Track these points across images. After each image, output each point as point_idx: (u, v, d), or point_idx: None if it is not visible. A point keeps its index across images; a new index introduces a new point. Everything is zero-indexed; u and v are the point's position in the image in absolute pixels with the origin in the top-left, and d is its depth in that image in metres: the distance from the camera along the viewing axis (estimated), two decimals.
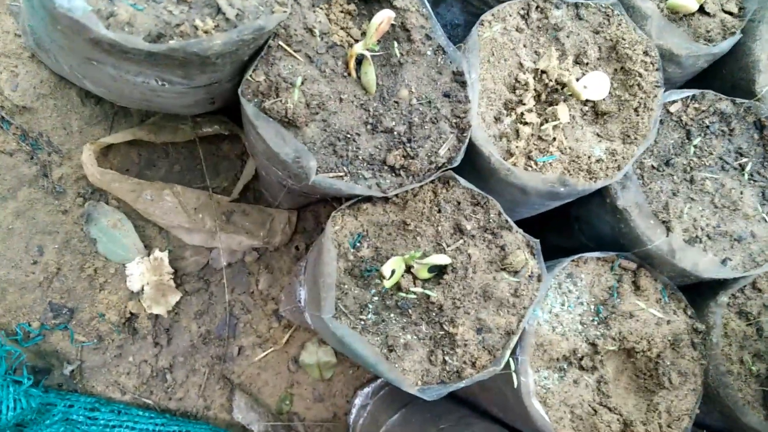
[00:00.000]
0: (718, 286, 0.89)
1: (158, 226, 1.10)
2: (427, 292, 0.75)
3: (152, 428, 1.06)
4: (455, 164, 0.77)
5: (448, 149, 0.77)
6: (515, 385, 0.76)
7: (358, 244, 0.78)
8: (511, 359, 0.75)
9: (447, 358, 0.77)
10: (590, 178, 0.81)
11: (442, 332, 0.77)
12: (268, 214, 1.15)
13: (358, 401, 1.19)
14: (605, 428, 0.81)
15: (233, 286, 1.16)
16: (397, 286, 0.78)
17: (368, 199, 0.78)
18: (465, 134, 0.78)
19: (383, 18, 0.72)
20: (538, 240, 0.80)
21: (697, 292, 0.92)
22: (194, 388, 1.14)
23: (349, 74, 0.76)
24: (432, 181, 0.80)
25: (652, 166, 0.87)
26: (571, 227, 1.01)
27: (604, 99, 0.84)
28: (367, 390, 1.20)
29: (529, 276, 0.80)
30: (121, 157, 1.07)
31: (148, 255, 1.08)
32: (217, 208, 1.10)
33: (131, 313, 1.09)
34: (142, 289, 1.08)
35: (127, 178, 1.02)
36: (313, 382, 1.21)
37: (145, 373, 1.11)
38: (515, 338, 0.78)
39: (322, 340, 1.20)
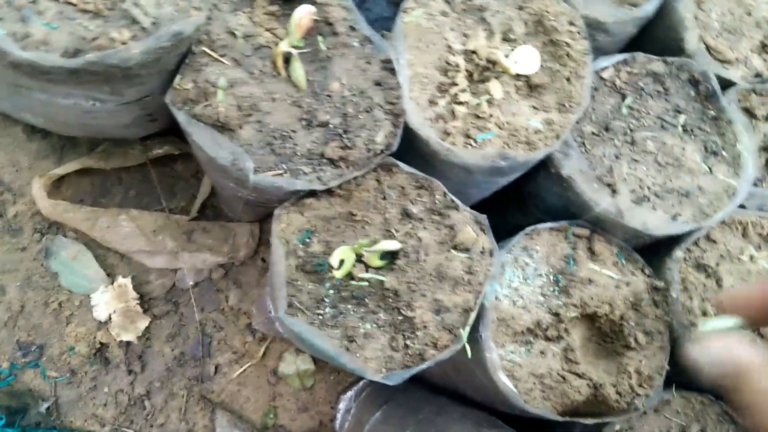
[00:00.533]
0: (672, 243, 0.90)
1: (119, 253, 1.09)
2: (378, 276, 0.76)
3: None
4: (393, 149, 0.78)
5: (385, 136, 0.78)
6: (469, 356, 0.76)
7: (308, 240, 0.78)
8: (464, 333, 0.75)
9: (408, 342, 0.77)
10: (530, 149, 0.82)
11: (401, 317, 0.77)
12: (229, 230, 1.15)
13: (342, 406, 1.19)
14: (575, 394, 0.81)
15: (203, 304, 1.15)
16: (351, 277, 0.78)
17: (312, 194, 0.79)
18: (400, 119, 0.79)
19: (303, 13, 0.73)
20: (485, 215, 0.81)
21: (653, 252, 0.93)
22: (174, 412, 1.13)
23: (279, 73, 0.77)
24: (374, 170, 0.81)
25: (593, 133, 0.88)
26: (526, 204, 1.01)
27: (536, 72, 0.85)
28: (350, 393, 1.20)
29: (481, 252, 0.80)
30: (73, 188, 1.07)
31: (112, 283, 1.08)
32: (176, 229, 1.10)
33: (101, 343, 1.08)
34: (110, 318, 1.07)
35: (80, 207, 1.02)
36: (295, 392, 1.20)
37: (123, 403, 1.10)
38: (473, 314, 0.78)
39: (299, 349, 1.20)
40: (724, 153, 0.90)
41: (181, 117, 0.73)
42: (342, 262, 0.75)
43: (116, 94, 0.74)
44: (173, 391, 1.13)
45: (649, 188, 0.87)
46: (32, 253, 1.05)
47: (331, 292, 0.78)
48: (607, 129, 0.89)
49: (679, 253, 0.88)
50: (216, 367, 1.16)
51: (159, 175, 1.11)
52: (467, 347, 0.75)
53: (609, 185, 0.86)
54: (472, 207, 0.83)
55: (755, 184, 0.93)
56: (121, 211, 1.04)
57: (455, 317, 0.78)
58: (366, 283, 0.77)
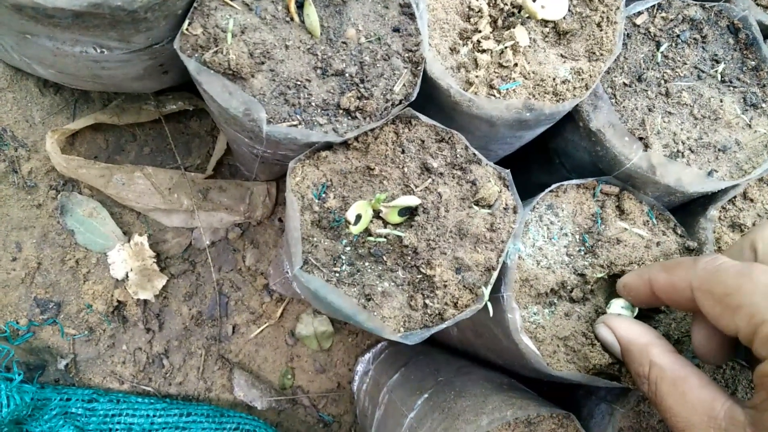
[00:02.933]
0: (707, 201, 0.86)
1: (135, 210, 1.08)
2: (396, 232, 0.73)
3: (153, 413, 1.05)
4: (412, 99, 0.74)
5: (404, 85, 0.74)
6: (490, 316, 0.73)
7: (324, 195, 0.75)
8: (485, 291, 0.72)
9: (428, 301, 0.74)
10: (557, 100, 0.77)
11: (420, 275, 0.75)
12: (246, 188, 1.13)
13: (360, 368, 1.18)
14: (599, 357, 0.78)
15: (220, 264, 1.14)
16: (368, 234, 0.75)
17: (328, 146, 0.76)
18: (419, 68, 0.75)
19: None
20: (509, 170, 0.77)
21: (687, 212, 0.88)
22: (193, 371, 1.13)
23: (292, 19, 0.73)
24: (393, 122, 0.77)
25: (624, 84, 0.83)
26: (552, 162, 0.97)
27: (564, 18, 0.80)
28: (368, 356, 1.18)
29: (504, 208, 0.77)
30: (87, 144, 1.05)
31: (128, 241, 1.07)
32: (192, 187, 1.08)
33: (118, 301, 1.07)
34: (127, 276, 1.06)
35: (95, 163, 1.00)
36: (312, 354, 1.19)
37: (141, 361, 1.10)
38: (495, 273, 0.75)
39: (316, 311, 1.18)
40: (764, 105, 0.85)
41: (191, 65, 0.70)
42: (359, 217, 0.72)
43: (124, 40, 0.71)
44: (191, 350, 1.13)
45: (683, 142, 0.82)
46: (48, 210, 1.04)
47: (348, 249, 0.75)
48: (639, 79, 0.84)
49: (713, 211, 0.83)
50: (233, 327, 1.15)
51: (174, 132, 1.09)
52: (489, 306, 0.72)
53: (641, 139, 0.81)
54: (497, 164, 0.79)
55: None
56: (136, 168, 1.03)
57: (476, 276, 0.75)
58: (384, 240, 0.74)
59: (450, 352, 1.07)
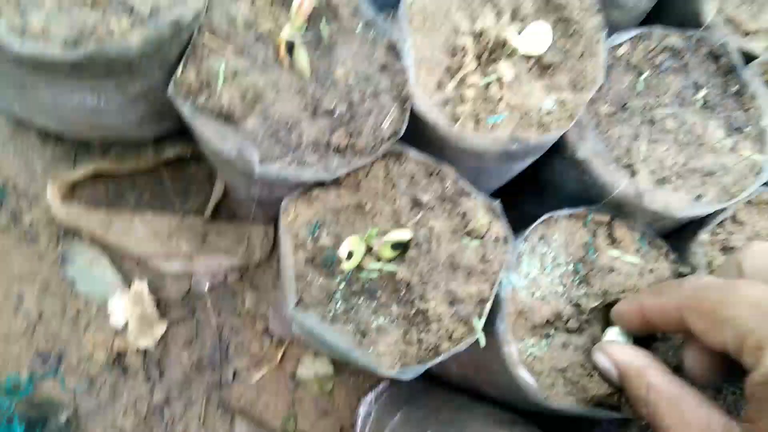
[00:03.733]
0: (697, 226, 0.86)
1: (134, 258, 1.09)
2: (388, 267, 0.73)
3: None
4: (400, 135, 0.76)
5: (392, 121, 0.76)
6: (482, 346, 0.73)
7: (317, 233, 0.76)
8: (478, 323, 0.72)
9: (422, 335, 0.74)
10: (543, 131, 0.79)
11: (414, 310, 0.75)
12: (244, 231, 1.14)
13: (362, 410, 1.16)
14: (598, 387, 0.77)
15: (219, 308, 1.14)
16: (361, 270, 0.76)
17: (320, 184, 0.77)
18: (407, 104, 0.77)
19: None
20: (499, 201, 0.78)
21: (679, 237, 0.89)
22: (194, 419, 1.12)
23: (282, 62, 0.76)
24: (383, 158, 0.79)
25: (608, 113, 0.85)
26: (543, 193, 0.98)
27: (547, 51, 0.83)
28: (370, 397, 1.17)
29: (495, 239, 0.77)
30: (87, 194, 1.07)
31: (128, 288, 1.07)
32: (191, 231, 1.09)
33: (119, 350, 1.07)
34: (127, 324, 1.06)
35: (95, 211, 1.02)
36: (314, 397, 1.17)
37: (142, 411, 1.09)
38: (489, 304, 0.75)
39: (317, 352, 1.17)
40: (748, 129, 0.86)
41: (185, 109, 0.72)
42: (351, 253, 0.73)
43: (121, 88, 0.74)
44: (192, 398, 1.12)
45: (670, 168, 0.83)
46: (49, 261, 1.06)
47: (342, 285, 0.76)
48: (624, 108, 0.86)
49: (704, 236, 0.84)
50: (234, 373, 1.14)
51: (172, 178, 1.11)
52: (481, 337, 0.72)
53: (627, 166, 0.82)
54: (489, 197, 0.80)
55: None
56: (135, 215, 1.04)
57: (470, 308, 0.75)
58: (377, 275, 0.75)
59: (451, 389, 1.06)
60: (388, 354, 0.73)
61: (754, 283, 0.58)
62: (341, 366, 1.17)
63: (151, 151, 1.06)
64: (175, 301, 1.12)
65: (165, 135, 1.02)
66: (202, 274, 1.12)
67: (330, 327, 0.73)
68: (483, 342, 0.72)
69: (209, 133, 0.72)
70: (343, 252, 0.71)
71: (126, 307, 1.06)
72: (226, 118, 0.72)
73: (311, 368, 1.16)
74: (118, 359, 1.08)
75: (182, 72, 0.71)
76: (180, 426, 1.10)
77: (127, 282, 1.09)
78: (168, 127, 0.96)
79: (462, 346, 0.73)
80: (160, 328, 1.08)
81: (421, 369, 0.73)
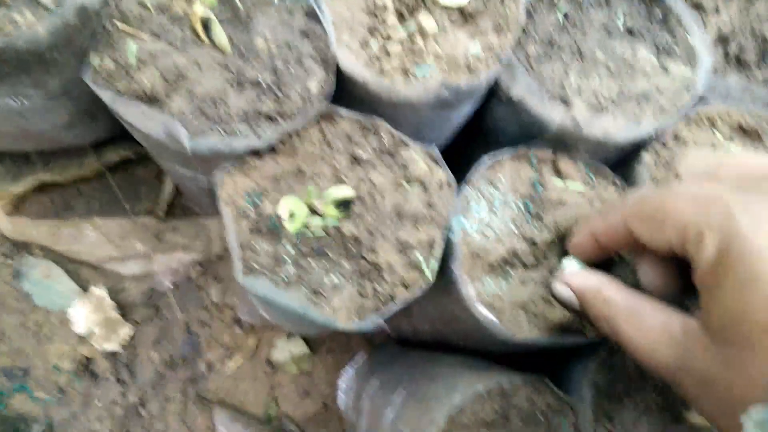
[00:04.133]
0: (640, 149, 0.87)
1: (91, 264, 1.07)
2: (332, 221, 0.73)
3: None
4: (329, 96, 0.76)
5: (319, 83, 0.76)
6: (431, 281, 0.73)
7: (258, 202, 0.76)
8: (430, 266, 0.73)
9: (377, 286, 0.74)
10: (472, 75, 0.79)
11: (366, 263, 0.75)
12: (200, 225, 1.13)
13: (343, 384, 1.16)
14: (560, 316, 0.78)
15: (185, 304, 1.13)
16: (308, 231, 0.75)
17: (255, 154, 0.77)
18: (331, 65, 0.76)
19: None
20: (435, 146, 0.78)
21: (625, 166, 0.90)
22: (173, 416, 1.11)
23: (201, 40, 0.75)
24: (317, 122, 0.78)
25: (538, 52, 0.86)
26: (489, 141, 0.99)
27: (469, 1, 0.83)
28: (349, 370, 1.17)
29: (438, 184, 0.78)
30: (34, 207, 1.05)
31: (88, 295, 1.06)
32: (144, 231, 1.08)
33: (86, 357, 1.06)
34: (91, 331, 1.05)
35: (42, 222, 1.00)
36: (293, 379, 1.17)
37: (118, 415, 1.08)
38: (440, 247, 0.75)
39: (290, 334, 1.17)
40: (676, 49, 0.87)
41: (105, 96, 0.71)
42: (293, 215, 0.72)
43: (39, 86, 0.72)
44: (168, 395, 1.10)
45: (605, 97, 0.84)
46: (2, 277, 1.04)
47: (291, 250, 0.75)
48: (552, 46, 0.86)
49: (646, 156, 0.85)
50: (208, 365, 1.13)
51: (120, 182, 1.10)
52: (427, 272, 0.73)
53: (562, 100, 0.83)
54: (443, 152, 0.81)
55: (716, 74, 0.90)
56: (84, 221, 1.03)
57: (422, 253, 0.75)
58: (324, 234, 0.75)
59: (424, 347, 1.07)
60: (344, 309, 0.73)
61: (691, 181, 0.58)
62: (316, 345, 1.17)
63: (93, 157, 1.04)
64: (138, 303, 1.10)
65: (105, 140, 1.01)
66: (162, 272, 1.11)
67: (282, 291, 0.72)
68: (431, 278, 0.72)
69: (134, 116, 0.71)
70: (282, 211, 0.71)
71: (87, 314, 1.05)
72: (150, 99, 0.71)
73: (286, 350, 1.15)
74: (86, 366, 1.06)
75: (98, 58, 0.70)
76: (159, 425, 1.09)
77: (86, 289, 1.07)
78: (106, 129, 0.94)
79: (417, 291, 0.74)
80: (126, 331, 1.07)
81: (378, 319, 0.73)
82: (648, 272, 0.66)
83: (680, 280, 0.66)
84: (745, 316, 0.47)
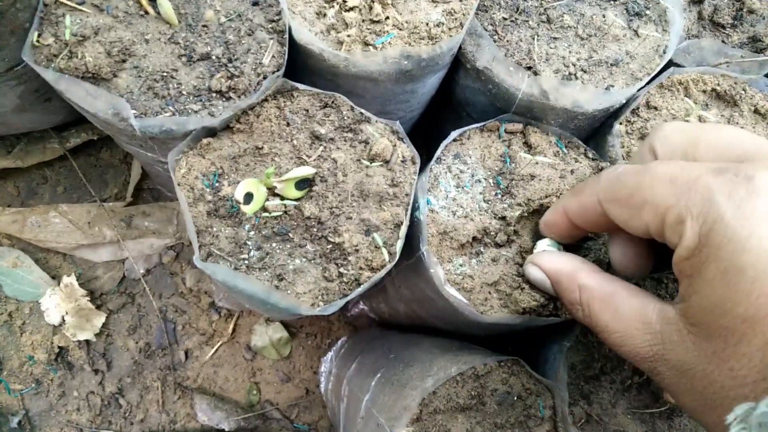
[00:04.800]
0: (613, 119, 0.84)
1: (60, 252, 1.05)
2: (290, 202, 0.70)
3: None
4: (283, 69, 0.73)
5: (273, 56, 0.73)
6: (395, 262, 0.70)
7: (216, 184, 0.73)
8: (387, 240, 0.70)
9: (342, 269, 0.72)
10: (433, 43, 0.76)
11: (330, 245, 0.72)
12: (171, 209, 1.10)
13: (323, 368, 1.14)
14: (529, 300, 0.75)
15: (159, 291, 1.11)
16: (268, 214, 0.73)
17: (211, 133, 0.74)
18: (284, 36, 0.73)
19: None
20: (398, 122, 0.75)
21: (598, 136, 0.87)
22: (152, 405, 1.09)
23: (147, 12, 0.72)
24: (274, 98, 0.75)
25: (504, 18, 0.82)
26: (461, 115, 0.96)
27: None
28: (329, 354, 1.15)
29: (402, 161, 0.75)
30: None
31: (58, 284, 1.04)
32: (113, 217, 1.05)
33: (60, 347, 1.04)
34: (63, 320, 1.03)
35: (4, 209, 0.98)
36: (274, 364, 1.15)
37: (96, 404, 1.06)
38: (404, 227, 0.73)
39: (269, 319, 1.15)
40: (647, 12, 0.84)
41: (48, 75, 0.68)
42: (251, 196, 0.70)
43: None
44: (146, 384, 1.09)
45: (574, 64, 0.81)
46: None
47: (252, 233, 0.73)
48: (518, 12, 0.83)
49: (618, 126, 0.82)
50: (186, 353, 1.12)
51: (85, 166, 1.07)
52: (384, 252, 0.70)
53: (529, 68, 0.80)
54: (408, 132, 0.77)
55: (689, 38, 0.87)
56: (50, 208, 1.00)
57: (387, 234, 0.73)
58: (284, 215, 0.72)
59: (403, 330, 1.05)
60: (308, 293, 0.71)
61: (668, 162, 0.55)
62: (296, 328, 1.15)
63: (56, 140, 1.02)
64: (110, 290, 1.08)
65: (68, 123, 0.98)
66: (134, 259, 1.08)
67: (242, 275, 0.70)
68: (396, 259, 0.70)
69: (78, 95, 0.68)
70: (239, 195, 0.68)
71: (59, 304, 1.03)
72: (94, 77, 0.68)
73: (265, 335, 1.14)
74: (61, 356, 1.05)
75: (37, 35, 0.67)
76: (139, 414, 1.08)
77: (57, 278, 1.05)
78: (62, 111, 0.91)
79: (382, 273, 0.71)
80: (99, 319, 1.05)
81: (343, 302, 0.70)
82: (618, 254, 0.64)
83: (653, 261, 0.64)
84: (727, 308, 0.44)
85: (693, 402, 0.50)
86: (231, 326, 1.13)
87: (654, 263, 0.65)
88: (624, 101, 0.82)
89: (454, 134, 0.81)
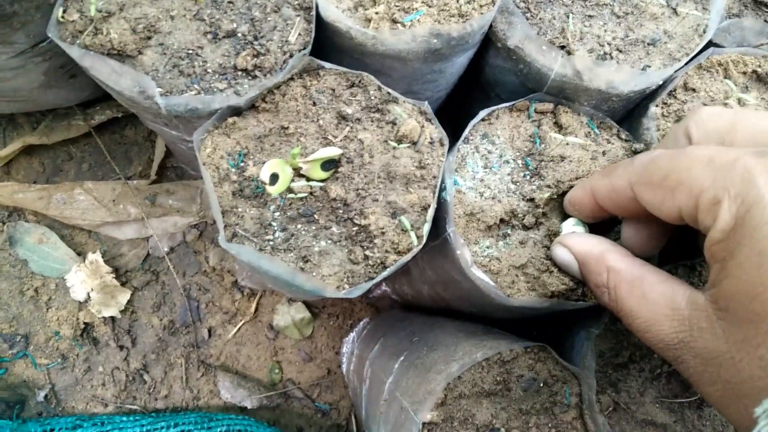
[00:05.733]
0: (649, 101, 0.81)
1: (85, 229, 1.06)
2: (316, 183, 0.69)
3: (139, 430, 1.02)
4: (309, 47, 0.71)
5: (299, 34, 0.71)
6: (420, 246, 0.69)
7: (242, 164, 0.72)
8: (414, 223, 0.69)
9: (367, 252, 0.71)
10: (463, 21, 0.74)
11: (356, 227, 0.71)
12: (195, 187, 1.10)
13: (345, 349, 1.14)
14: (557, 284, 0.74)
15: (183, 269, 1.11)
16: (293, 194, 0.72)
17: (236, 112, 0.73)
18: (311, 13, 0.72)
19: None
20: (427, 103, 0.73)
21: (632, 117, 0.84)
22: (176, 381, 1.10)
23: None
24: (300, 77, 0.74)
25: None
26: (489, 95, 0.93)
27: None
28: (352, 335, 1.15)
29: (430, 143, 0.73)
30: (23, 171, 1.03)
31: (84, 261, 1.04)
32: (137, 195, 1.05)
33: (85, 323, 1.05)
34: (89, 297, 1.04)
35: (31, 186, 0.98)
36: (296, 344, 1.16)
37: (121, 380, 1.07)
38: (432, 210, 0.71)
39: (291, 299, 1.15)
40: None
41: (73, 52, 0.67)
42: (276, 177, 0.69)
43: (5, 42, 0.69)
44: (170, 360, 1.10)
45: (609, 44, 0.78)
46: None
47: (278, 214, 0.72)
48: None
49: (654, 108, 0.79)
50: (209, 330, 1.12)
51: (109, 143, 1.07)
52: (412, 235, 0.69)
53: (562, 47, 0.77)
54: (435, 111, 0.76)
55: (729, 17, 0.83)
56: (75, 185, 1.00)
57: (414, 217, 0.72)
58: (310, 197, 0.71)
59: (426, 313, 1.04)
60: (333, 275, 0.70)
61: (706, 145, 0.54)
62: (318, 309, 1.15)
63: (81, 117, 1.02)
64: (135, 268, 1.09)
65: (93, 100, 0.98)
66: (158, 236, 1.09)
67: (268, 257, 0.69)
68: (423, 242, 0.69)
69: (104, 72, 0.68)
70: (264, 175, 0.67)
71: (84, 280, 1.03)
72: (119, 54, 0.67)
73: (287, 315, 1.14)
74: (87, 332, 1.06)
75: (62, 11, 0.66)
76: (163, 390, 1.09)
77: (82, 255, 1.06)
78: (88, 88, 0.91)
79: (409, 257, 0.70)
80: (124, 296, 1.06)
81: (368, 286, 0.70)
82: (630, 234, 0.63)
83: (663, 243, 0.63)
84: (759, 292, 0.42)
85: (717, 392, 0.48)
86: (253, 305, 1.13)
87: (672, 249, 0.64)
88: (660, 82, 0.79)
89: (482, 113, 0.79)
